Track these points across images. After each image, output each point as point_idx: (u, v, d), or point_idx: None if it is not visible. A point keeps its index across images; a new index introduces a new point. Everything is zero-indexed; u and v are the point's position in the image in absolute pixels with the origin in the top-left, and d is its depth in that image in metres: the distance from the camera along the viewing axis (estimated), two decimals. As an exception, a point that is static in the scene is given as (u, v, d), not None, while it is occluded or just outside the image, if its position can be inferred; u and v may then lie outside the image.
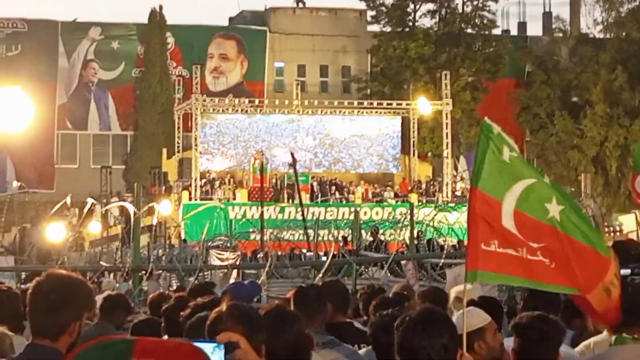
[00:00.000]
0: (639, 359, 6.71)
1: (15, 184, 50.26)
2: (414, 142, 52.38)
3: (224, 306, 5.05)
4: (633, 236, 37.69)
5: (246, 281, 16.12)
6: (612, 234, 43.39)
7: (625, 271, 12.92)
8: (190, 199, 47.56)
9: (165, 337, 7.27)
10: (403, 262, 22.67)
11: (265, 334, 5.15)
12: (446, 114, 51.27)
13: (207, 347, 2.96)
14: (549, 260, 6.01)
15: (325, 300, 8.32)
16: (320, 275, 19.73)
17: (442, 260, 22.10)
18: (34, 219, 43.25)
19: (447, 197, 49.12)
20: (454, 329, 5.02)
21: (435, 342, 4.69)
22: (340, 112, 54.24)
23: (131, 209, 26.79)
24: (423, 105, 51.43)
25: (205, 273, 22.77)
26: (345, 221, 38.93)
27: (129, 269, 19.70)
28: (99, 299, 11.66)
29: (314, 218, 37.41)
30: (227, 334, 3.89)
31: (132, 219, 26.48)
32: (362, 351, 7.58)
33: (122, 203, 37.97)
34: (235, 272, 23.35)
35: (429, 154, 54.23)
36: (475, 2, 64.32)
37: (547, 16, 67.24)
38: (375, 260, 23.74)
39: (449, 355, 4.75)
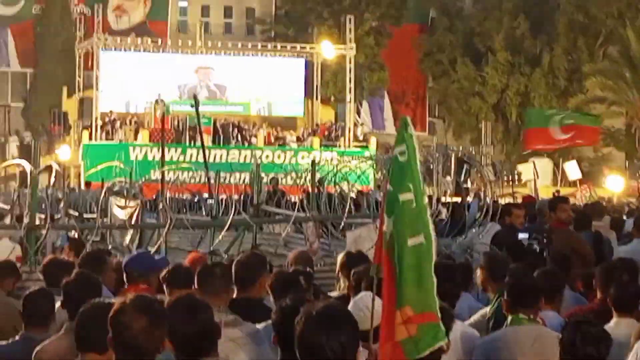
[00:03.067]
0: (533, 340, 7.00)
1: None
2: (317, 86, 52.49)
3: (127, 297, 5.01)
4: (531, 185, 41.01)
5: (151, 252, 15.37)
6: (510, 183, 42.85)
7: (523, 235, 13.83)
8: (90, 139, 46.97)
9: (65, 313, 6.86)
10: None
11: (175, 323, 5.31)
12: (350, 59, 51.29)
13: None
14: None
15: (231, 278, 8.35)
16: (223, 232, 19.34)
17: (345, 220, 21.45)
18: None
19: (349, 142, 49.48)
20: (355, 327, 4.90)
21: (333, 339, 4.62)
22: (243, 53, 54.10)
23: (28, 167, 25.39)
24: (327, 49, 51.65)
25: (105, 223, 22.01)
26: (247, 165, 38.54)
27: (25, 228, 17.91)
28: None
29: (215, 162, 37.95)
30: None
31: (28, 176, 24.32)
32: (260, 325, 7.48)
33: (18, 161, 36.31)
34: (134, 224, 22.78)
35: (332, 98, 54.48)
36: None
37: None
38: (276, 221, 23.83)
39: (347, 355, 4.68)
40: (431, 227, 5.66)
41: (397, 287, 5.62)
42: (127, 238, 20.23)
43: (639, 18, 55.35)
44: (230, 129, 47.32)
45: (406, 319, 5.43)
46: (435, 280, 5.55)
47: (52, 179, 35.82)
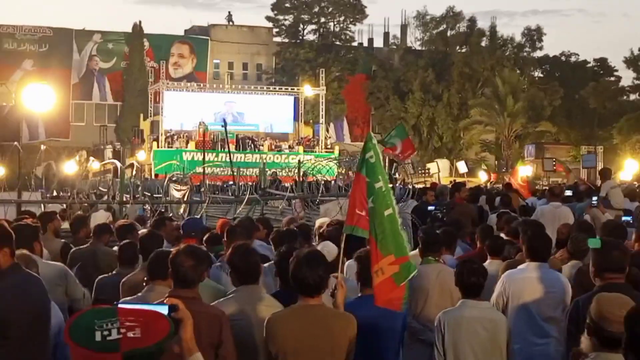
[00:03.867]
0: (437, 273, 7.32)
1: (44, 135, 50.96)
2: (301, 113, 52.32)
3: (181, 247, 5.61)
4: (436, 177, 41.52)
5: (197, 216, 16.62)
6: (423, 175, 45.28)
7: (432, 207, 14.15)
8: (157, 147, 46.83)
9: (140, 260, 7.18)
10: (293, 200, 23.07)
11: (235, 261, 5.96)
12: (322, 96, 51.68)
13: (160, 308, 2.92)
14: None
15: (250, 232, 9.01)
16: (242, 206, 19.61)
17: (319, 198, 22.07)
18: (56, 158, 39.69)
19: (321, 149, 49.32)
20: (327, 265, 5.50)
21: (314, 273, 5.19)
22: (255, 92, 53.75)
23: (118, 165, 28.10)
24: (307, 90, 51.61)
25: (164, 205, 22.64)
26: (257, 164, 37.92)
27: (116, 203, 19.22)
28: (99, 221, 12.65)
29: (237, 161, 36.99)
30: (172, 299, 3.58)
31: (119, 170, 26.78)
32: (266, 265, 7.47)
33: (112, 161, 36.68)
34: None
35: (311, 121, 54.25)
36: (342, 25, 64.09)
37: (386, 35, 68.08)
38: (275, 199, 23.81)
39: (322, 282, 5.26)
40: (394, 202, 6.03)
41: (380, 242, 5.76)
42: (181, 210, 20.72)
43: (504, 70, 55.59)
44: (247, 141, 47.40)
45: (392, 261, 5.69)
46: (404, 235, 5.95)
47: (134, 172, 34.17)
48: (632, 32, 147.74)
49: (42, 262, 7.22)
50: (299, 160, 35.63)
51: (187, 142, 46.21)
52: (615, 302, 4.11)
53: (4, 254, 4.86)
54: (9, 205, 18.63)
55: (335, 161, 37.83)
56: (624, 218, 10.63)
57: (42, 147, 37.66)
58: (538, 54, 61.83)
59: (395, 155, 32.33)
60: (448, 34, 60.43)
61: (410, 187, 20.05)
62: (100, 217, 15.38)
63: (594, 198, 13.36)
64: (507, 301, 6.84)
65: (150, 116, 51.04)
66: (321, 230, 9.41)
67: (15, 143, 29.41)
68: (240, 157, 41.54)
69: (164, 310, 2.80)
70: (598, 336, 4.11)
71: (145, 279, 5.90)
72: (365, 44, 66.33)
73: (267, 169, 32.23)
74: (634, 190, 18.95)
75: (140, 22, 59.19)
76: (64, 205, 19.88)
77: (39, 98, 27.24)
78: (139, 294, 5.60)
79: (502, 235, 9.38)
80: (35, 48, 57.97)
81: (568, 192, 15.03)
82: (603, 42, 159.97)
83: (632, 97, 60.46)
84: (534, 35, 61.01)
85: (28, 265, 5.73)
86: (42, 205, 18.73)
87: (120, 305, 2.76)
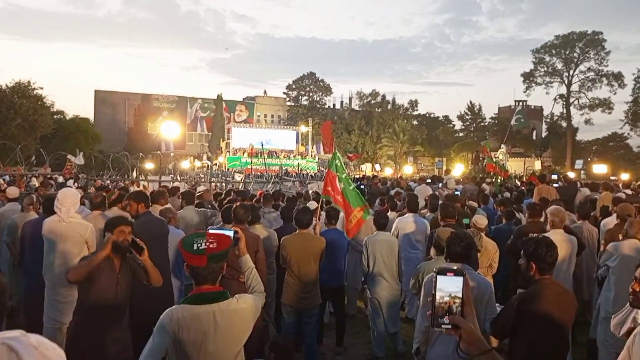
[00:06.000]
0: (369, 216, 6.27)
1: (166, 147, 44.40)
2: (300, 139, 49.02)
3: (238, 204, 5.38)
4: (365, 172, 37.82)
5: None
6: (360, 171, 42.56)
7: (362, 186, 12.89)
8: (228, 155, 44.32)
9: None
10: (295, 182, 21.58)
11: (285, 209, 6.07)
12: (309, 132, 50.64)
13: (228, 232, 2.69)
14: (342, 201, 5.86)
15: (276, 197, 8.65)
16: (269, 185, 18.49)
17: (308, 181, 21.60)
18: (178, 159, 38.16)
19: (310, 157, 44.81)
20: (312, 212, 5.48)
21: (305, 216, 5.20)
22: (277, 129, 50.44)
23: (209, 163, 28.82)
24: (303, 128, 49.31)
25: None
26: (277, 164, 35.96)
27: (210, 182, 17.92)
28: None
29: (268, 162, 34.14)
30: (235, 227, 3.35)
31: (210, 166, 28.12)
32: (275, 214, 7.10)
33: (206, 162, 35.51)
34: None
35: (304, 144, 50.04)
36: (319, 96, 62.68)
37: (341, 102, 65.28)
38: (286, 181, 22.39)
39: (311, 222, 5.24)
40: (350, 183, 6.06)
41: (351, 202, 5.76)
42: (240, 186, 18.65)
43: (398, 120, 53.26)
44: (272, 153, 41.69)
45: (358, 209, 5.81)
46: (362, 198, 5.84)
47: (215, 168, 34.93)
48: (465, 98, 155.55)
49: (190, 210, 7.03)
50: (298, 163, 38.59)
51: (244, 153, 43.41)
52: (446, 231, 4.18)
53: (142, 206, 4.97)
54: (154, 183, 17.77)
55: (316, 163, 41.97)
56: (455, 192, 9.92)
57: (172, 154, 40.52)
58: (415, 112, 60.90)
59: (350, 159, 38.17)
60: (372, 102, 59.11)
61: (352, 177, 18.71)
62: (200, 189, 13.44)
63: (440, 184, 12.96)
64: (398, 232, 6.52)
65: (224, 140, 50.35)
66: (311, 194, 9.28)
67: (158, 152, 32.10)
68: (269, 160, 38.50)
69: (230, 233, 2.69)
70: (436, 247, 4.34)
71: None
72: (332, 106, 64.35)
73: (283, 167, 32.08)
74: (459, 180, 17.07)
75: (221, 93, 58.83)
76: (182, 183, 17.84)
77: (170, 129, 29.59)
78: (218, 227, 4.99)
79: (397, 200, 8.64)
80: (169, 105, 58.49)
81: (429, 180, 14.07)
82: (447, 104, 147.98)
83: (460, 134, 60.50)
84: (414, 103, 60.39)
85: (167, 212, 5.69)
86: (171, 183, 17.40)
87: (208, 231, 2.58)
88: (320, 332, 5.73)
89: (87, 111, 73.94)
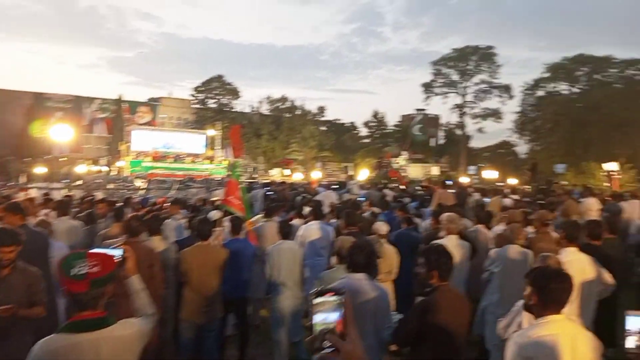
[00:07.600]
0: (270, 225, 6.60)
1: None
2: (208, 143, 46.45)
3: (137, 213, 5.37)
4: (274, 178, 36.91)
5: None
6: (269, 176, 41.60)
7: (269, 192, 12.57)
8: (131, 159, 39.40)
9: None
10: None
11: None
12: (218, 135, 46.77)
13: (114, 251, 2.49)
14: (237, 201, 5.90)
15: (181, 205, 8.50)
16: (174, 190, 17.24)
17: (214, 187, 20.57)
18: (72, 163, 34.89)
19: (218, 162, 42.88)
20: (213, 223, 5.52)
21: (207, 227, 5.12)
22: (183, 132, 47.97)
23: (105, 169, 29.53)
24: (211, 132, 46.56)
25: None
26: (183, 169, 35.02)
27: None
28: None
29: (173, 167, 34.14)
30: (123, 245, 2.77)
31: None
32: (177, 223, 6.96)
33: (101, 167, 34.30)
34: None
35: (212, 147, 46.43)
36: (227, 100, 60.55)
37: (251, 106, 61.44)
38: (192, 187, 21.02)
39: (210, 232, 5.16)
40: (246, 191, 6.20)
41: (247, 211, 5.94)
42: (139, 193, 17.08)
43: (307, 126, 52.40)
44: (178, 157, 40.65)
45: (249, 222, 6.01)
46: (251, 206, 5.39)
47: (115, 172, 32.19)
48: (370, 105, 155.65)
49: (64, 221, 6.85)
50: (206, 168, 37.63)
51: (145, 157, 40.20)
52: (348, 240, 4.15)
53: (19, 219, 4.56)
54: (44, 190, 16.18)
55: (224, 168, 39.05)
56: (359, 199, 10.11)
57: (65, 158, 37.21)
58: (323, 118, 60.15)
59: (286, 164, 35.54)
60: (281, 107, 57.97)
61: (261, 182, 19.34)
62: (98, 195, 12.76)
63: (345, 189, 13.27)
64: (305, 240, 6.49)
65: (125, 143, 43.98)
66: (215, 202, 9.13)
67: (50, 156, 30.51)
68: (175, 165, 38.19)
69: (116, 252, 2.51)
70: (339, 256, 4.36)
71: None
72: (241, 110, 62.30)
73: (188, 172, 31.39)
74: (363, 184, 17.52)
75: (122, 94, 55.53)
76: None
77: (61, 133, 28.45)
78: (109, 242, 4.26)
79: (306, 207, 8.31)
80: (64, 105, 54.53)
81: (335, 186, 14.05)
82: (353, 111, 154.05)
83: (366, 140, 60.85)
84: (322, 109, 58.95)
85: (44, 224, 5.66)
86: (61, 190, 15.73)
87: (89, 251, 2.31)
88: (222, 345, 5.60)
89: (-30, 110, 68.79)
